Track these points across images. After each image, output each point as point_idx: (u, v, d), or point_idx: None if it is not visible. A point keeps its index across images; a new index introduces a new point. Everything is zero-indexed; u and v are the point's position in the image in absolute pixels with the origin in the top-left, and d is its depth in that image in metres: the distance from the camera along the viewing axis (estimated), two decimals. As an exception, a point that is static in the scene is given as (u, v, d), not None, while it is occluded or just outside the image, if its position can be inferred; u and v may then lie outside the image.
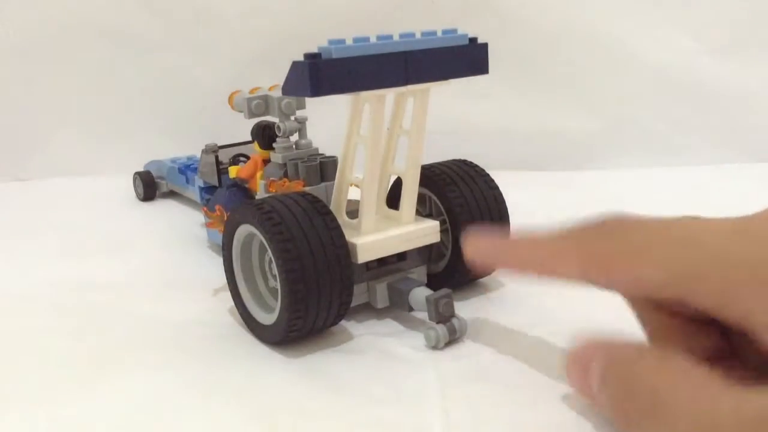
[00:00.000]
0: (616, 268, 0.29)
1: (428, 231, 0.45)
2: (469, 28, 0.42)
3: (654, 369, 0.27)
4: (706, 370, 0.27)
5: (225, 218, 0.49)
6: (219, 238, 0.50)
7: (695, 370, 0.26)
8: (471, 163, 0.49)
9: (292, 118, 0.53)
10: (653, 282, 0.28)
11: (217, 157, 0.63)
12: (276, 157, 0.52)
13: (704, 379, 0.26)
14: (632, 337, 0.31)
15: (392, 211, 0.46)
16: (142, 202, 0.80)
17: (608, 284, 0.31)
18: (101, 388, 0.38)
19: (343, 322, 0.44)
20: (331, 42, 0.37)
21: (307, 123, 0.53)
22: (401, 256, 0.45)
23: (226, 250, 0.45)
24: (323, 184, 0.49)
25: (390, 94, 0.40)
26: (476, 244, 0.38)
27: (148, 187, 0.80)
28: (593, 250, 0.30)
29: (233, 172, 0.58)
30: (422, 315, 0.43)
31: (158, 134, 0.93)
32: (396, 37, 0.39)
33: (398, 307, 0.44)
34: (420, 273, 0.46)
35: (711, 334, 0.29)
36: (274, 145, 0.52)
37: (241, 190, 0.59)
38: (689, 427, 0.25)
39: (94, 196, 0.83)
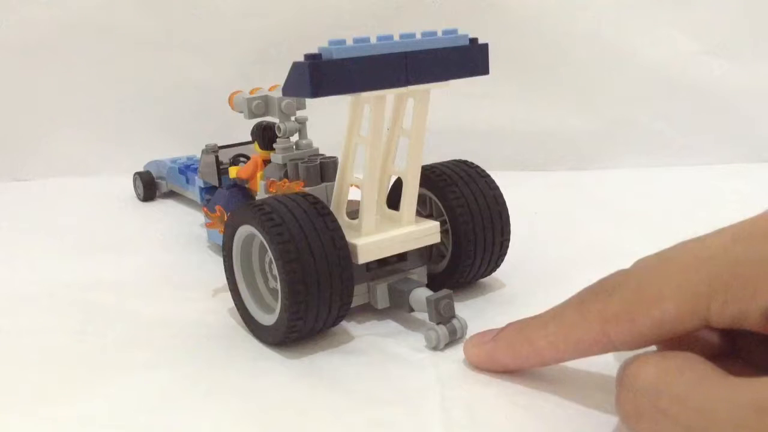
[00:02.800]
0: (637, 316, 0.29)
1: (429, 231, 0.45)
2: (470, 28, 0.42)
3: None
4: (709, 364, 0.27)
5: (225, 218, 0.49)
6: (219, 238, 0.50)
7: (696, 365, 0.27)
8: (471, 163, 0.49)
9: (293, 118, 0.53)
10: (677, 314, 0.28)
11: (217, 157, 0.63)
12: (276, 157, 0.52)
13: (704, 372, 0.26)
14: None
15: (392, 212, 0.46)
16: (142, 202, 0.80)
17: (632, 338, 0.30)
18: (101, 388, 0.38)
19: (343, 323, 0.44)
20: (331, 42, 0.37)
21: (308, 123, 0.53)
22: (402, 257, 0.45)
23: (226, 251, 0.45)
24: (323, 184, 0.49)
25: (390, 94, 0.40)
26: (482, 357, 0.37)
27: (148, 187, 0.80)
28: (607, 311, 0.30)
29: (233, 172, 0.58)
30: (423, 316, 0.43)
31: (158, 134, 0.93)
32: (396, 38, 0.39)
33: (399, 307, 0.44)
34: (420, 274, 0.46)
35: (714, 336, 0.29)
36: (274, 145, 0.52)
37: (241, 190, 0.59)
38: (690, 418, 0.25)
39: (94, 196, 0.83)
